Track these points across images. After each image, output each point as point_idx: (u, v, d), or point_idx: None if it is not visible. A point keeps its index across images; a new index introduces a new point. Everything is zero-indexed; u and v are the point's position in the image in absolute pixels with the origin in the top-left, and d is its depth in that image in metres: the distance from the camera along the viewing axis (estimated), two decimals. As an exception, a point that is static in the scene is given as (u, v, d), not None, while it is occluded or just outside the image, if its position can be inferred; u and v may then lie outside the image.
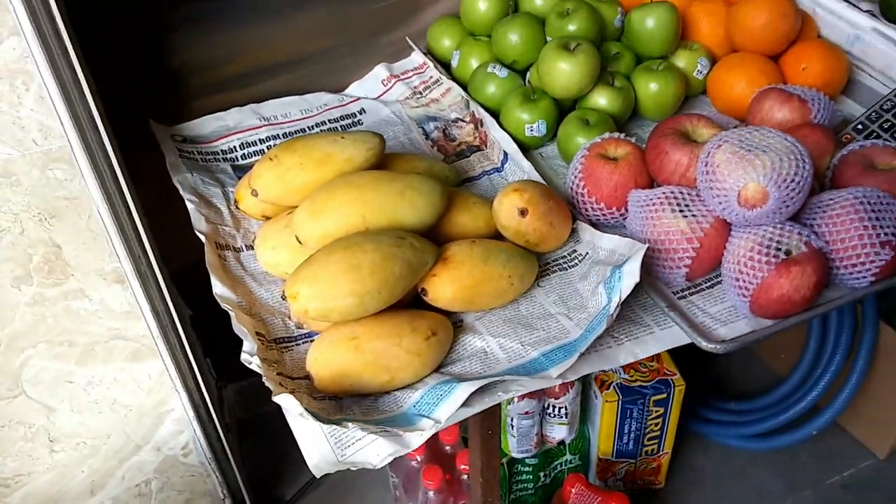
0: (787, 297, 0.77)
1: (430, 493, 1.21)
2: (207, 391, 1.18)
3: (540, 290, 0.87)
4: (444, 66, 1.19)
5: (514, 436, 1.20)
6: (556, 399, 1.17)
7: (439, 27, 1.20)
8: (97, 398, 1.10)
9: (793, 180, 0.77)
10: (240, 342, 0.78)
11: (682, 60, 1.10)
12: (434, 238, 0.85)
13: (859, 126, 1.00)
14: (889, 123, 0.98)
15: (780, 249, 0.78)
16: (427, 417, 0.73)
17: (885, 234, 0.79)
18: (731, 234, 0.82)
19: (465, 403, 0.73)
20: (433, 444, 1.29)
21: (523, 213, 0.84)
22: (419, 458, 1.26)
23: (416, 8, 1.21)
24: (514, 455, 1.24)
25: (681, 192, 0.85)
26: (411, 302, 0.83)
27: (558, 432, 1.22)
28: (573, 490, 1.24)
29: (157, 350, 1.08)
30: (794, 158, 0.77)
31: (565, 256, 0.91)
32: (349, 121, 1.13)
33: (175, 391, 1.14)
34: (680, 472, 1.45)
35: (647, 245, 0.79)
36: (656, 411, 1.25)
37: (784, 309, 0.79)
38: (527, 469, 1.28)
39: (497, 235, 0.89)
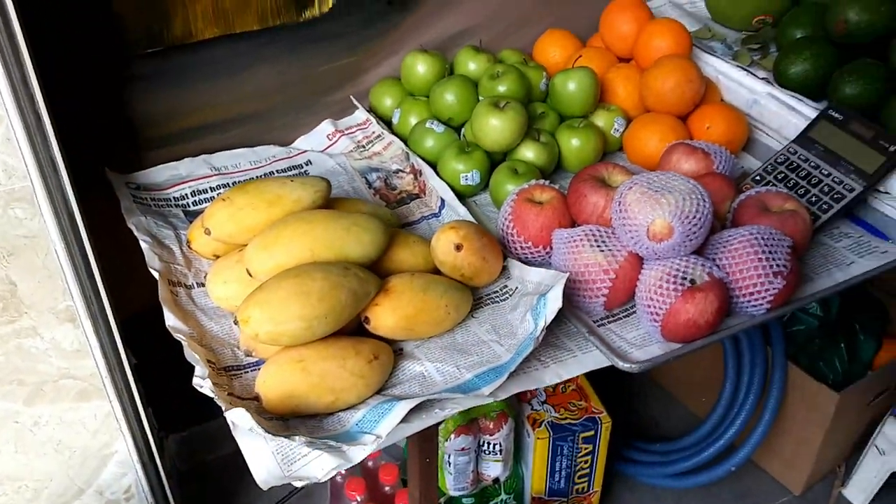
0: (693, 321, 0.86)
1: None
2: (151, 436, 1.20)
3: (474, 320, 0.95)
4: (386, 122, 1.28)
5: (451, 473, 1.25)
6: (490, 436, 1.24)
7: (381, 88, 1.30)
8: (43, 439, 1.11)
9: (695, 216, 0.87)
10: (181, 394, 0.82)
11: (600, 119, 1.22)
12: (377, 272, 0.92)
13: (757, 177, 1.12)
14: (782, 174, 1.10)
15: (685, 279, 0.87)
16: (369, 434, 0.79)
17: (777, 265, 0.90)
18: (643, 267, 0.92)
19: (406, 420, 0.79)
20: (373, 485, 1.33)
21: (458, 247, 0.92)
22: (359, 499, 1.30)
23: (359, 71, 1.31)
24: (452, 493, 1.29)
25: (598, 231, 0.94)
26: (355, 331, 0.89)
27: (493, 469, 1.27)
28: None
29: (105, 390, 1.11)
30: (695, 198, 0.88)
31: (497, 291, 0.99)
32: (296, 171, 1.20)
33: (120, 433, 1.16)
34: (609, 512, 1.52)
35: (567, 274, 0.87)
36: (585, 448, 1.32)
37: (691, 333, 0.88)
38: (464, 508, 1.33)
39: (435, 272, 0.96)
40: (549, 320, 0.85)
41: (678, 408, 1.73)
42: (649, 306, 0.89)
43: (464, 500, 1.31)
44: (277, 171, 1.20)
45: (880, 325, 1.51)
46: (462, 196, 1.14)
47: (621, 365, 0.86)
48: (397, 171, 1.20)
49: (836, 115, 1.10)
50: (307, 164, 1.22)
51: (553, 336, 0.92)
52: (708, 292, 0.87)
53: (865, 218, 1.08)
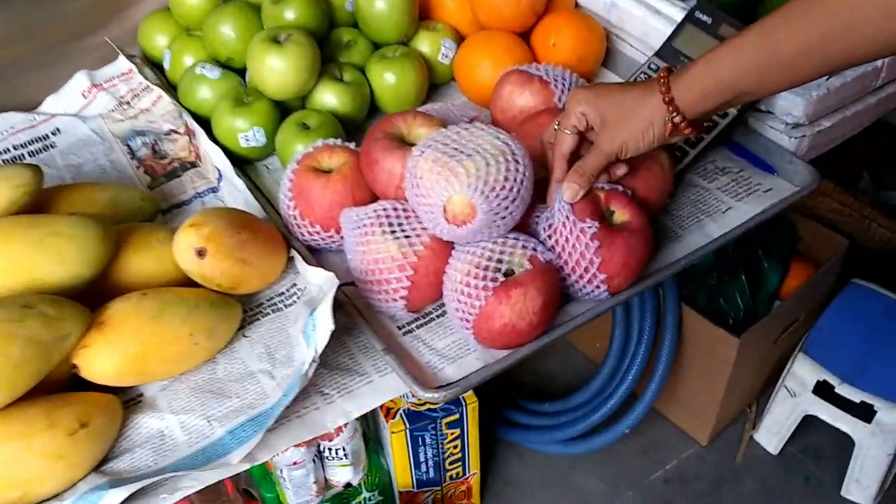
0: (511, 325, 0.65)
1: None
2: None
3: (245, 341, 0.72)
4: (159, 68, 1.01)
5: (289, 487, 1.05)
6: (330, 441, 1.03)
7: (151, 24, 1.02)
8: None
9: (503, 187, 0.64)
10: None
11: (424, 44, 0.97)
12: (103, 294, 0.68)
13: (614, 105, 0.89)
14: (643, 100, 0.87)
15: (499, 270, 0.66)
16: (74, 537, 0.57)
17: (623, 236, 0.68)
18: (451, 255, 0.69)
19: (127, 512, 0.57)
20: None
21: (201, 253, 0.68)
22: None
23: (124, 2, 1.02)
24: (298, 505, 1.10)
25: (394, 209, 0.71)
26: (70, 382, 0.66)
27: (342, 475, 1.08)
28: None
29: None
30: (503, 161, 0.65)
31: (283, 293, 0.76)
32: (40, 144, 0.93)
33: None
34: (496, 488, 1.35)
35: (336, 282, 0.65)
36: (452, 433, 1.13)
37: (511, 339, 0.67)
38: (320, 515, 1.14)
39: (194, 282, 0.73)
40: (320, 349, 0.63)
41: (575, 356, 1.55)
42: (458, 309, 0.67)
43: (318, 506, 1.12)
44: (15, 146, 0.92)
45: (787, 248, 1.33)
46: (248, 161, 0.90)
47: (422, 394, 0.64)
48: (169, 132, 0.94)
49: (704, 18, 0.86)
50: (54, 134, 0.94)
51: (345, 354, 0.70)
52: (528, 286, 0.65)
53: (745, 144, 0.87)
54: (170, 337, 0.66)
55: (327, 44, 0.94)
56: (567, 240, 0.68)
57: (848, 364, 1.23)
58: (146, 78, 0.97)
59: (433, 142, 0.67)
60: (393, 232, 0.69)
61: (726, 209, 0.81)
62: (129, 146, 0.93)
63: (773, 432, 1.36)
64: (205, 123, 0.90)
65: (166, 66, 0.98)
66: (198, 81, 0.92)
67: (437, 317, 0.73)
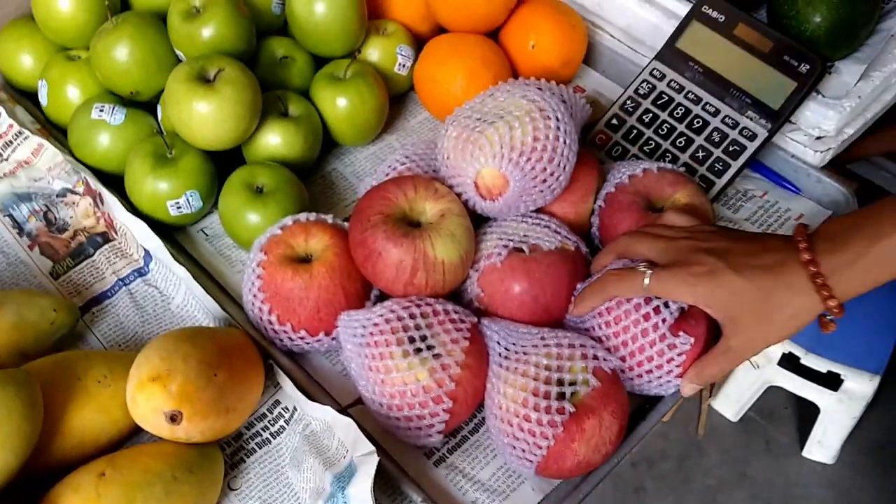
0: (586, 462, 0.54)
1: None
2: None
3: (234, 497, 0.57)
4: (34, 100, 0.78)
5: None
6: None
7: (10, 38, 0.78)
8: None
9: (533, 149, 0.59)
10: None
11: (375, 52, 0.79)
12: (39, 470, 0.51)
13: (613, 121, 0.76)
14: (649, 116, 0.75)
15: (563, 395, 0.53)
16: None
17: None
18: (492, 370, 0.56)
19: None
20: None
21: (175, 418, 0.51)
22: None
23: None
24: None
25: (410, 316, 0.56)
26: None
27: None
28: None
29: None
30: (529, 120, 0.60)
31: (265, 415, 0.61)
32: None
33: None
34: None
35: (377, 457, 0.50)
36: None
37: (583, 471, 0.55)
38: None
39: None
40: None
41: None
42: (514, 447, 0.54)
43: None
44: None
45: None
46: (179, 228, 0.71)
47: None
48: (64, 192, 0.73)
49: (714, 15, 0.74)
50: None
51: None
52: (601, 412, 0.53)
53: (765, 161, 0.77)
54: (145, 532, 0.50)
55: (257, 63, 0.75)
56: (642, 347, 0.56)
57: (812, 334, 1.20)
58: (16, 120, 0.75)
59: (457, 116, 0.63)
60: (418, 350, 0.55)
61: (761, 246, 0.71)
62: (11, 217, 0.72)
63: (733, 400, 1.34)
64: (112, 179, 0.71)
65: (42, 100, 0.76)
66: (96, 129, 0.71)
67: (471, 433, 0.60)
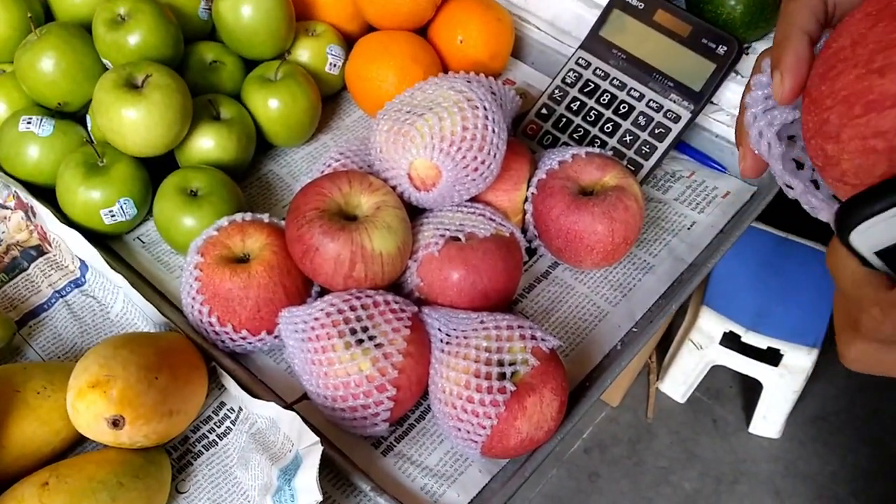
0: (529, 439, 0.55)
1: None
2: None
3: (181, 499, 0.57)
4: (-45, 116, 0.77)
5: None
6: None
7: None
8: None
9: (462, 139, 0.59)
10: None
11: (305, 53, 0.80)
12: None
13: (543, 110, 0.78)
14: (577, 104, 0.77)
15: (503, 375, 0.54)
16: None
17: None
18: (435, 356, 0.57)
19: None
20: None
21: (116, 423, 0.51)
22: None
23: None
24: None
25: (351, 308, 0.57)
26: None
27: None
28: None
29: None
30: (457, 111, 0.60)
31: (211, 417, 0.61)
32: None
33: None
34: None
35: (321, 447, 0.51)
36: None
37: (527, 450, 0.56)
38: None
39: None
40: (306, 524, 0.50)
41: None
42: (459, 429, 0.55)
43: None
44: None
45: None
46: (114, 237, 0.71)
47: (439, 543, 0.53)
48: (-6, 208, 0.72)
49: (634, 2, 0.76)
50: None
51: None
52: (541, 389, 0.54)
53: (691, 142, 0.80)
54: (92, 540, 0.50)
55: (186, 69, 0.75)
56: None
57: (751, 311, 1.25)
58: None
59: (388, 110, 0.63)
60: (360, 342, 0.56)
61: (691, 224, 0.74)
62: (-60, 236, 0.71)
63: (679, 382, 1.37)
64: (43, 191, 0.70)
65: (-33, 115, 0.75)
66: (24, 141, 0.70)
67: (416, 421, 0.61)
